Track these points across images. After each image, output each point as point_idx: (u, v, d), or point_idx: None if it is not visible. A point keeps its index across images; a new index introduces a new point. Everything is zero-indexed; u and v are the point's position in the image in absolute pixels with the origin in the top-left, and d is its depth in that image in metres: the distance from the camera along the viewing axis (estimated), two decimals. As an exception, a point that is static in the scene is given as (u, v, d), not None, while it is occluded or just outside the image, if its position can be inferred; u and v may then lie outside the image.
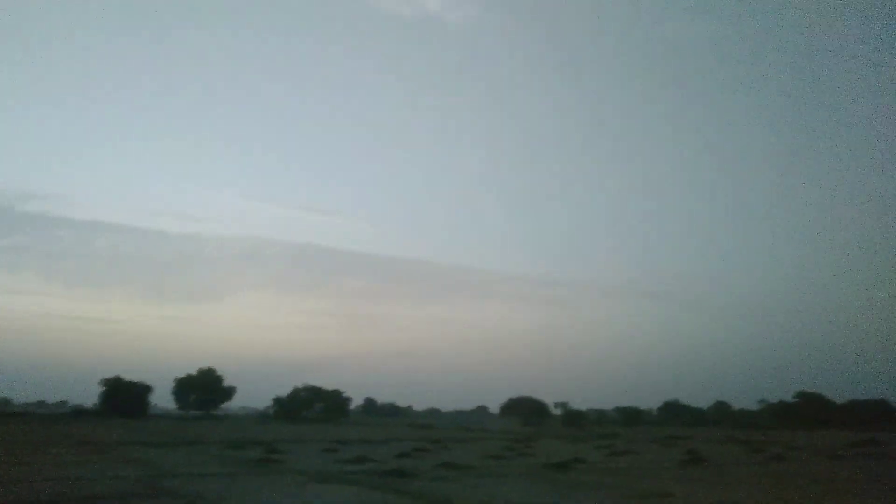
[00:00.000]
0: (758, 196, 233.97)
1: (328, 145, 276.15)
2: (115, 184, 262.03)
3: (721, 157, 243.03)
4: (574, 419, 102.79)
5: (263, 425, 79.71)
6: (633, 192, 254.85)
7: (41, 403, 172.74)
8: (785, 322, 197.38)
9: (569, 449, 37.05)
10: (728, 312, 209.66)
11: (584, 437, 55.07)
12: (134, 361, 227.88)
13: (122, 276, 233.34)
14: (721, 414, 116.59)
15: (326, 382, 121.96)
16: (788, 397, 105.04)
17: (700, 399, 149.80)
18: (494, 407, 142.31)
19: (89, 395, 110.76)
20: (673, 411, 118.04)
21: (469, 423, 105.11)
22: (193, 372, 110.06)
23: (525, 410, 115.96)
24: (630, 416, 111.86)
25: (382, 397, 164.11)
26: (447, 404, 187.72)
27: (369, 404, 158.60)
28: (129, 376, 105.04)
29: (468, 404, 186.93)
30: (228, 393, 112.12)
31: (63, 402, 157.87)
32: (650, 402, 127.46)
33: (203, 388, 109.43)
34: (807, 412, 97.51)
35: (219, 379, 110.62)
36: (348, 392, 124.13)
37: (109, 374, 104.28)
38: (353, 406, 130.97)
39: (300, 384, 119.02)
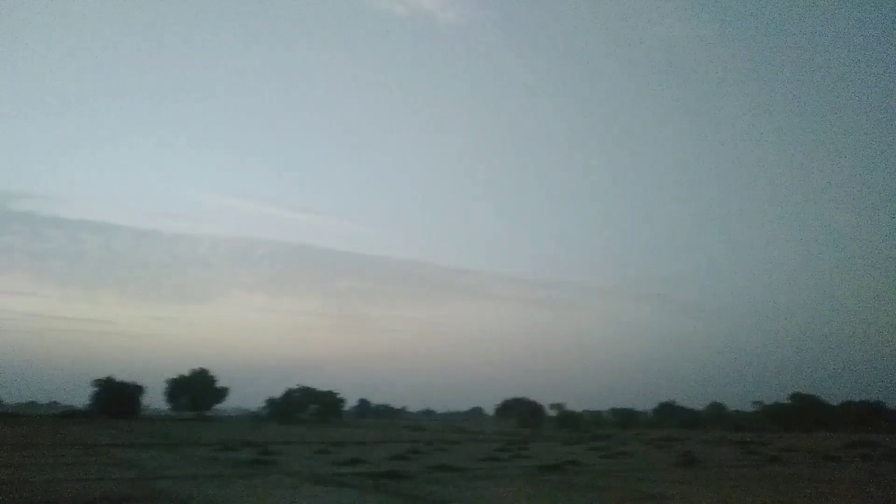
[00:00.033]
0: (753, 198, 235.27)
1: (321, 145, 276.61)
2: (107, 183, 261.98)
3: (716, 159, 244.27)
4: (569, 421, 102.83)
5: (256, 427, 79.33)
6: (628, 193, 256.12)
7: (32, 404, 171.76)
8: (780, 324, 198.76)
9: (563, 451, 36.93)
10: (723, 314, 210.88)
11: (579, 439, 54.98)
12: (126, 362, 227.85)
13: (114, 276, 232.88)
14: (716, 415, 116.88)
15: (320, 383, 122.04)
16: (783, 399, 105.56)
17: (695, 400, 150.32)
18: (489, 408, 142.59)
19: (81, 396, 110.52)
20: (668, 413, 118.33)
21: (464, 425, 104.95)
22: (186, 373, 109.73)
23: (520, 412, 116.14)
24: (625, 418, 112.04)
25: (377, 398, 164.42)
26: (442, 406, 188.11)
27: (363, 406, 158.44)
28: (121, 377, 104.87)
29: (463, 406, 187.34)
30: (221, 394, 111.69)
31: (54, 403, 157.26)
32: (645, 403, 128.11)
33: (196, 389, 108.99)
34: (802, 414, 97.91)
35: (211, 380, 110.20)
36: (342, 393, 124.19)
37: (101, 375, 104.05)
38: (346, 407, 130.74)
39: (293, 385, 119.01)
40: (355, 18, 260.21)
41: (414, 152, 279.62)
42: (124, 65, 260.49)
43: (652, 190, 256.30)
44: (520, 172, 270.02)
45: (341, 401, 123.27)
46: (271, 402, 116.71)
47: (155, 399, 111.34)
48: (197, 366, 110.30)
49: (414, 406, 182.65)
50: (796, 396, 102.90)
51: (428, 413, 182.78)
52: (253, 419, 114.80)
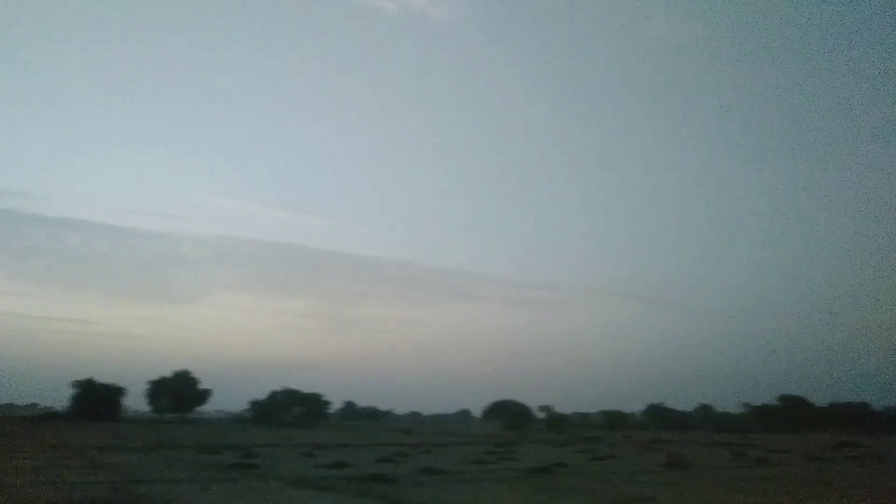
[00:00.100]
0: (742, 199, 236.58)
1: (306, 142, 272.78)
2: (88, 180, 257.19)
3: (705, 160, 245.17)
4: (558, 423, 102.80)
5: (240, 429, 78.65)
6: (617, 193, 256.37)
7: (10, 406, 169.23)
8: (768, 325, 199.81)
9: (551, 453, 36.83)
10: (712, 315, 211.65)
11: (568, 441, 54.92)
12: (106, 363, 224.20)
13: (95, 275, 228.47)
14: (705, 417, 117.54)
15: (305, 385, 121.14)
16: (771, 400, 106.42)
17: (684, 402, 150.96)
18: (477, 410, 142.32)
19: (60, 398, 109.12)
20: (657, 414, 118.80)
21: (451, 428, 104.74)
22: (168, 374, 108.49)
23: (508, 414, 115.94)
24: (614, 420, 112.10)
25: (362, 401, 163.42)
26: (429, 408, 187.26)
27: (349, 408, 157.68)
28: (101, 378, 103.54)
29: (450, 408, 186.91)
30: (204, 396, 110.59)
31: (33, 405, 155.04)
32: (634, 405, 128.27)
33: (177, 391, 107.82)
34: (789, 415, 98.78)
35: (194, 381, 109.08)
36: (327, 395, 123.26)
37: (81, 376, 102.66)
38: (332, 410, 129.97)
39: (278, 387, 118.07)
40: (344, 15, 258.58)
41: (401, 151, 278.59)
42: (103, 64, 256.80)
43: (640, 190, 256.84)
44: (509, 172, 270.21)
45: (326, 403, 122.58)
46: (255, 405, 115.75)
47: (136, 401, 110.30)
48: (179, 367, 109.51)
49: (401, 408, 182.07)
50: (784, 398, 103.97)
51: (415, 415, 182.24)
52: (236, 422, 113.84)
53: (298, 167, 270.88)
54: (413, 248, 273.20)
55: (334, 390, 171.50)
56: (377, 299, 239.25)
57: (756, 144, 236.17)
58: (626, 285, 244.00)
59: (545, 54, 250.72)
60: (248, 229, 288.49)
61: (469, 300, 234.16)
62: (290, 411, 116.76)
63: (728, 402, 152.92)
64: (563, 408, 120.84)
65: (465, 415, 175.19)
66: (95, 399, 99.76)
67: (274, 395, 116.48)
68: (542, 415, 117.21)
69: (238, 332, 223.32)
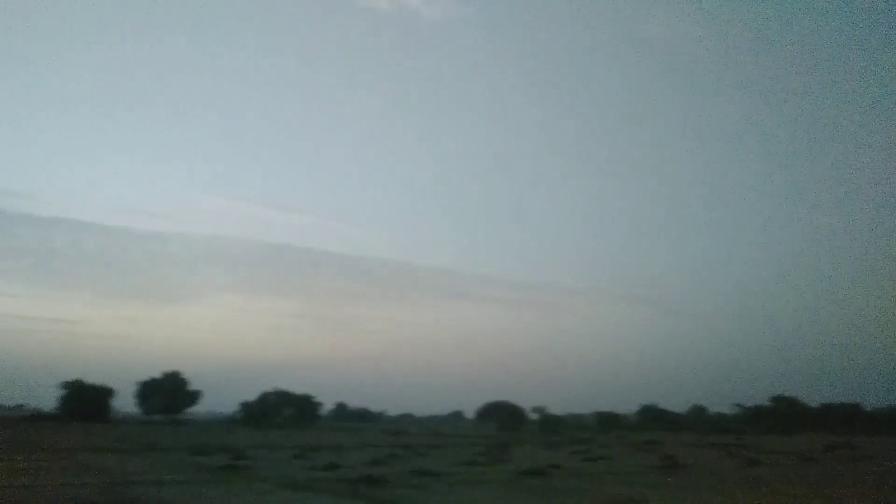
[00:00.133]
0: (736, 200, 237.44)
1: (299, 142, 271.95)
2: (77, 180, 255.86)
3: (699, 162, 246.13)
4: (551, 424, 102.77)
5: (230, 431, 78.28)
6: (612, 194, 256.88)
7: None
8: (761, 327, 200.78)
9: (545, 455, 36.76)
10: (705, 317, 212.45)
11: (561, 443, 54.90)
12: (96, 364, 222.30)
13: (85, 276, 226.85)
14: (698, 418, 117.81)
15: (296, 387, 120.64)
16: (764, 401, 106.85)
17: (678, 403, 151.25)
18: (470, 412, 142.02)
19: (49, 399, 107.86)
20: (651, 415, 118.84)
21: (444, 429, 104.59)
22: (158, 375, 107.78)
23: (501, 415, 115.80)
24: (608, 421, 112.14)
25: (354, 402, 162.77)
26: (421, 409, 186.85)
27: (341, 409, 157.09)
28: (90, 379, 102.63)
29: (443, 409, 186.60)
30: (194, 397, 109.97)
31: (20, 406, 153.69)
32: (628, 406, 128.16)
33: (168, 392, 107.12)
34: (782, 416, 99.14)
35: (184, 382, 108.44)
36: (319, 397, 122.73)
37: (70, 377, 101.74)
38: (324, 411, 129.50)
39: (269, 388, 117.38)
40: (338, 12, 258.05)
41: (396, 150, 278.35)
42: (94, 65, 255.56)
43: (635, 192, 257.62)
44: (503, 172, 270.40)
45: (318, 404, 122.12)
46: (245, 406, 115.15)
47: (125, 402, 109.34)
48: (169, 368, 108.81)
49: (393, 410, 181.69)
50: (777, 399, 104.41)
51: (407, 417, 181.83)
52: (227, 423, 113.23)
53: (293, 167, 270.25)
54: (406, 248, 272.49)
55: (326, 391, 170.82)
56: (369, 299, 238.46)
57: (753, 145, 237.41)
58: (620, 287, 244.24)
59: (541, 53, 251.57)
60: (239, 229, 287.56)
61: (462, 301, 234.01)
62: (282, 412, 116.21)
63: (721, 404, 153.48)
64: (556, 409, 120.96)
65: (457, 416, 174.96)
66: (84, 400, 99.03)
67: (265, 397, 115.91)
68: (535, 416, 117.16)
69: (229, 332, 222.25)
